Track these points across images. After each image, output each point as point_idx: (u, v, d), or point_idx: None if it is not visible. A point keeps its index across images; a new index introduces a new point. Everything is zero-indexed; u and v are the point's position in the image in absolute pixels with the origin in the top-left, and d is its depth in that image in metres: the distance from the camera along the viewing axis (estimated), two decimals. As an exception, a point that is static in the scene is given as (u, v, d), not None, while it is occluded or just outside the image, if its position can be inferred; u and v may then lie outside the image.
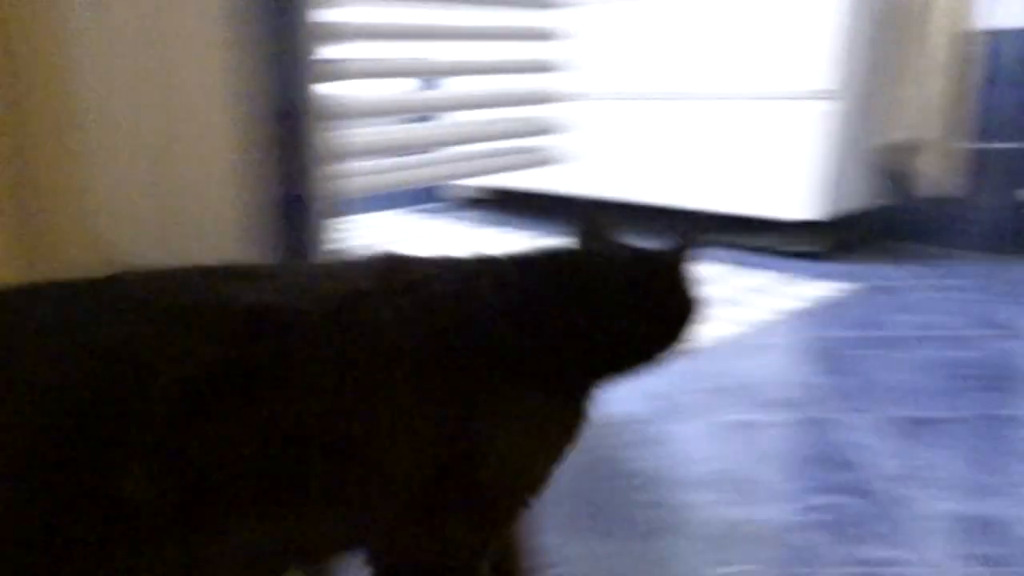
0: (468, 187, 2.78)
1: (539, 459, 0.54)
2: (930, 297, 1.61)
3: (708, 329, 1.44)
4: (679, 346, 0.58)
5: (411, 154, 1.28)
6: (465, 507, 0.52)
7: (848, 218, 2.02)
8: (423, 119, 1.53)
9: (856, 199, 2.00)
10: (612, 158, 2.25)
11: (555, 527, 0.80)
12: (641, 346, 0.58)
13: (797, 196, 1.89)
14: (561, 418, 0.55)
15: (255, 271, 0.49)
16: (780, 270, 1.84)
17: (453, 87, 2.01)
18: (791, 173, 1.90)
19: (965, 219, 1.98)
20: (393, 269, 0.52)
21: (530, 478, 0.54)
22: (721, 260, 1.92)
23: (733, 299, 1.61)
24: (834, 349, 1.35)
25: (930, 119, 1.92)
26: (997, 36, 1.86)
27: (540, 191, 2.40)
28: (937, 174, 1.93)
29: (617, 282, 0.56)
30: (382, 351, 0.47)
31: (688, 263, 0.59)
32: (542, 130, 1.34)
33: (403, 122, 1.51)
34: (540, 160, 1.35)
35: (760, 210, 1.98)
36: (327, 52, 0.88)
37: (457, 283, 0.52)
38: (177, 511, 0.41)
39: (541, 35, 1.35)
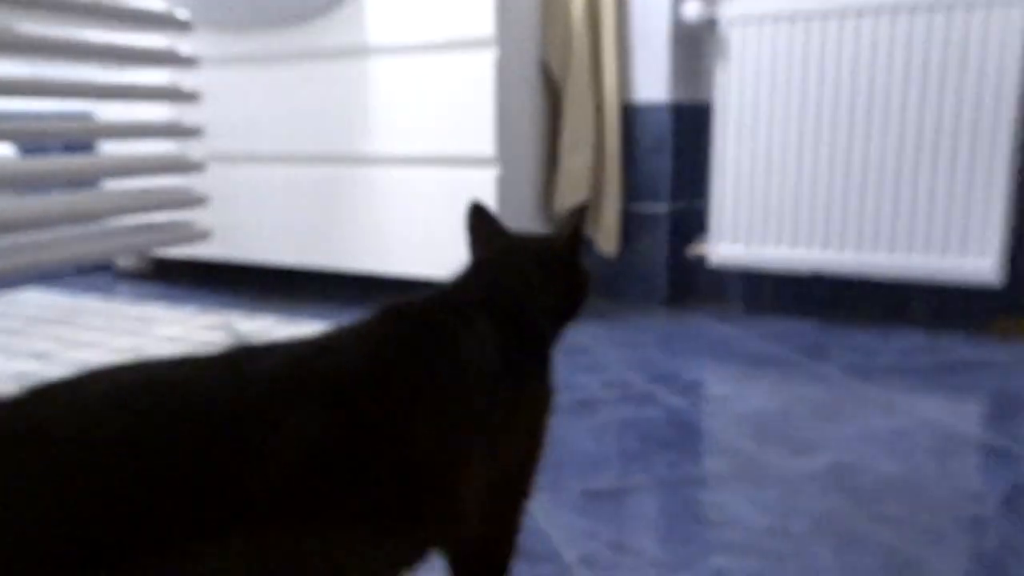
0: (130, 256, 2.45)
1: (543, 432, 0.65)
2: (615, 355, 1.64)
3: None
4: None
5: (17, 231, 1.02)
6: (512, 491, 0.63)
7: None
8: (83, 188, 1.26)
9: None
10: (283, 224, 2.10)
11: None
12: (572, 313, 0.73)
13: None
14: (547, 395, 0.65)
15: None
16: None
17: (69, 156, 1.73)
18: (460, 237, 1.88)
19: (642, 276, 2.09)
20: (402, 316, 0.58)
21: (541, 450, 0.65)
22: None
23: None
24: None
25: (597, 184, 2.02)
26: (653, 108, 2.01)
27: (203, 259, 2.16)
28: (609, 235, 2.03)
29: (555, 274, 0.71)
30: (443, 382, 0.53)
31: (577, 241, 0.73)
32: (177, 203, 1.15)
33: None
34: (179, 237, 1.15)
35: (438, 273, 1.93)
36: None
37: (456, 316, 0.60)
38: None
39: (177, 96, 1.17)
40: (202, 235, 1.17)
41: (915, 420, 1.28)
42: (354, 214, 2.01)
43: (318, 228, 2.06)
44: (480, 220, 0.74)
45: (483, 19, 1.78)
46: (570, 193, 2.00)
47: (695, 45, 2.07)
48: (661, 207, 2.04)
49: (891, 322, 1.90)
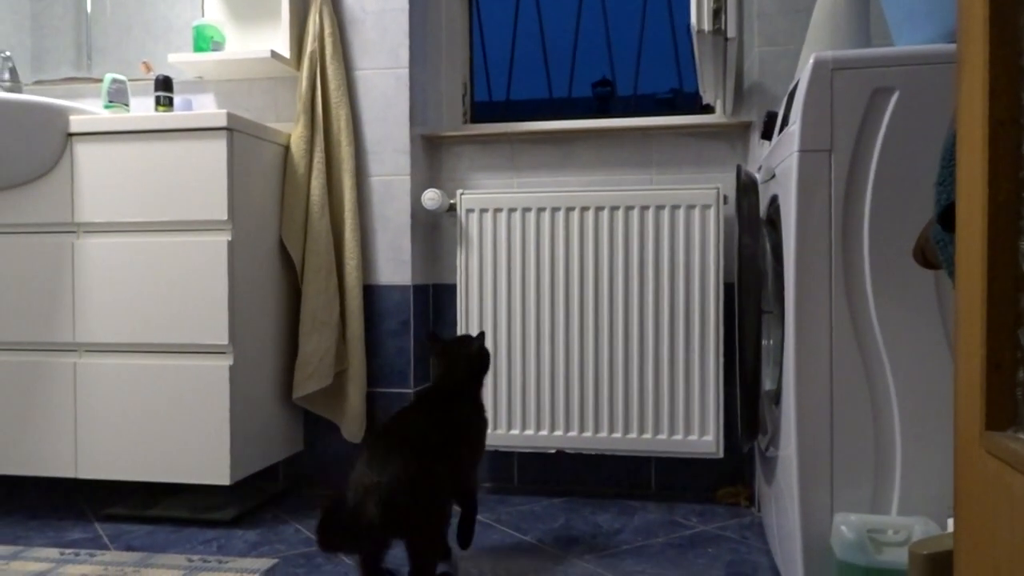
0: None
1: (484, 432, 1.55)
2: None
3: None
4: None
5: None
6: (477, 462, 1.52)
7: (260, 475, 1.87)
8: None
9: (270, 455, 1.88)
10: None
11: None
12: (484, 374, 1.55)
13: (205, 458, 1.68)
14: (483, 415, 1.54)
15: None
16: (200, 545, 1.57)
17: None
18: (196, 433, 1.69)
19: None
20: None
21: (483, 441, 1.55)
22: (134, 543, 1.57)
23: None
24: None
25: (340, 367, 1.93)
26: (395, 289, 2.00)
27: None
28: (354, 420, 1.93)
29: (476, 353, 1.52)
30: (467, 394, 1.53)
31: (483, 339, 1.55)
32: None
33: None
34: None
35: (170, 476, 1.71)
36: None
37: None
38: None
39: None
40: None
41: (666, 611, 1.29)
42: (62, 409, 1.74)
43: (10, 427, 1.76)
44: (433, 339, 1.53)
45: (216, 199, 1.69)
46: (310, 380, 1.89)
47: (435, 230, 2.12)
48: (406, 389, 2.00)
49: (630, 494, 1.97)
